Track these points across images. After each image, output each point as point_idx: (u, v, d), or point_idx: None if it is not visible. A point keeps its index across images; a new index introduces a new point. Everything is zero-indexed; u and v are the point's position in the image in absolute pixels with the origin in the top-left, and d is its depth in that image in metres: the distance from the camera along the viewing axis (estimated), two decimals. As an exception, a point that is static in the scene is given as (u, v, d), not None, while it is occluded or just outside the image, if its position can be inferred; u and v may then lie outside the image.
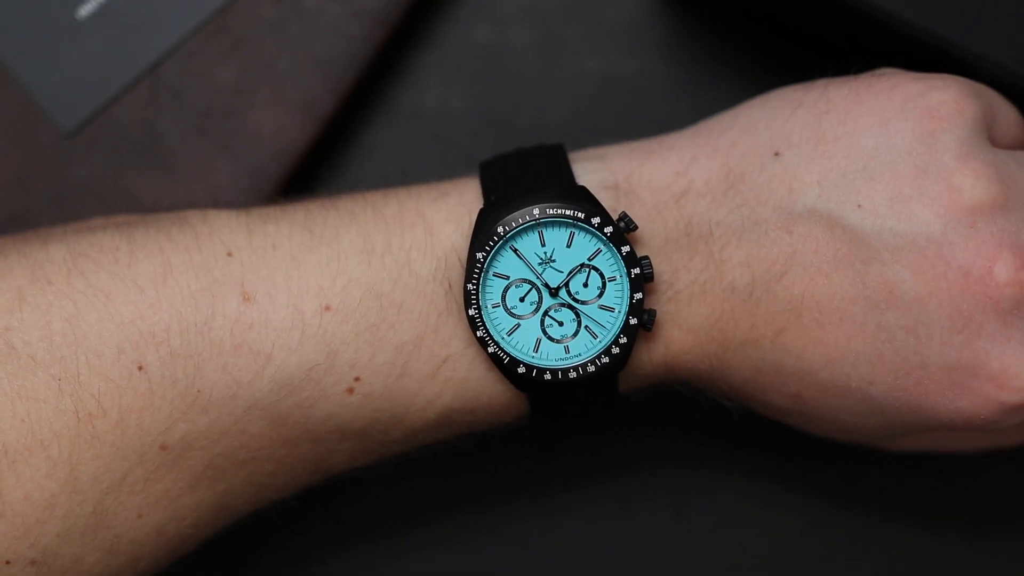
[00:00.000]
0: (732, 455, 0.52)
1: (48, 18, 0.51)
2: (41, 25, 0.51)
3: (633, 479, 0.53)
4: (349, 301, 0.41)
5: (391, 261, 0.41)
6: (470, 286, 0.41)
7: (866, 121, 0.41)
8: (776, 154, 0.42)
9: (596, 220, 0.41)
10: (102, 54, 0.51)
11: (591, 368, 0.42)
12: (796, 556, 0.52)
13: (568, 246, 0.42)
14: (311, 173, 0.53)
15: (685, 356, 0.43)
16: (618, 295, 0.42)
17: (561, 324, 0.42)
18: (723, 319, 0.42)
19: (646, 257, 0.41)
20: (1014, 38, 0.44)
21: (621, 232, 0.41)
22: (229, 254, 0.41)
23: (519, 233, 0.42)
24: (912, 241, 0.40)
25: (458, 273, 0.42)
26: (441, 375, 0.41)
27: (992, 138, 0.42)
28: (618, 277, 0.42)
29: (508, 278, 0.42)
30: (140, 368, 0.40)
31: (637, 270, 0.41)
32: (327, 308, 0.41)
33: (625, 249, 0.41)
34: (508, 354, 0.41)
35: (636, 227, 0.41)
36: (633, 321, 0.41)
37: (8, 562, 0.39)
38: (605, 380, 0.42)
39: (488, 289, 0.42)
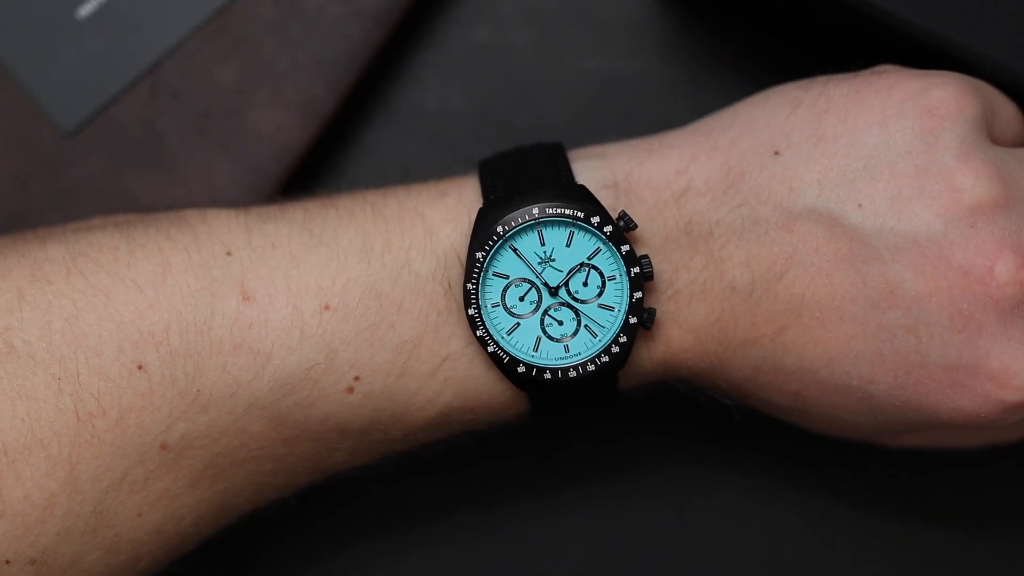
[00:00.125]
0: (732, 453, 0.52)
1: (48, 18, 0.51)
2: (41, 25, 0.51)
3: (633, 478, 0.53)
4: (348, 300, 0.41)
5: (390, 260, 0.41)
6: (469, 285, 0.41)
7: (866, 119, 0.41)
8: (776, 153, 0.42)
9: (596, 219, 0.41)
10: (102, 54, 0.51)
11: (591, 367, 0.42)
12: (796, 555, 0.52)
13: (568, 245, 0.42)
14: (311, 173, 0.53)
15: (685, 355, 0.43)
16: (618, 294, 0.42)
17: (561, 323, 0.42)
18: (723, 318, 0.42)
19: (646, 256, 0.41)
20: (1014, 38, 0.44)
21: (621, 231, 0.41)
22: (228, 253, 0.41)
23: (518, 232, 0.42)
24: (913, 240, 0.40)
25: (457, 272, 0.41)
26: (441, 374, 0.41)
27: (992, 135, 0.42)
28: (618, 276, 0.42)
29: (508, 277, 0.42)
30: (140, 367, 0.40)
31: (637, 269, 0.41)
32: (326, 307, 0.41)
33: (625, 248, 0.41)
34: (508, 353, 0.41)
35: (636, 226, 0.41)
36: (633, 320, 0.41)
37: (8, 561, 0.39)
38: (605, 379, 0.42)
39: (488, 288, 0.42)
